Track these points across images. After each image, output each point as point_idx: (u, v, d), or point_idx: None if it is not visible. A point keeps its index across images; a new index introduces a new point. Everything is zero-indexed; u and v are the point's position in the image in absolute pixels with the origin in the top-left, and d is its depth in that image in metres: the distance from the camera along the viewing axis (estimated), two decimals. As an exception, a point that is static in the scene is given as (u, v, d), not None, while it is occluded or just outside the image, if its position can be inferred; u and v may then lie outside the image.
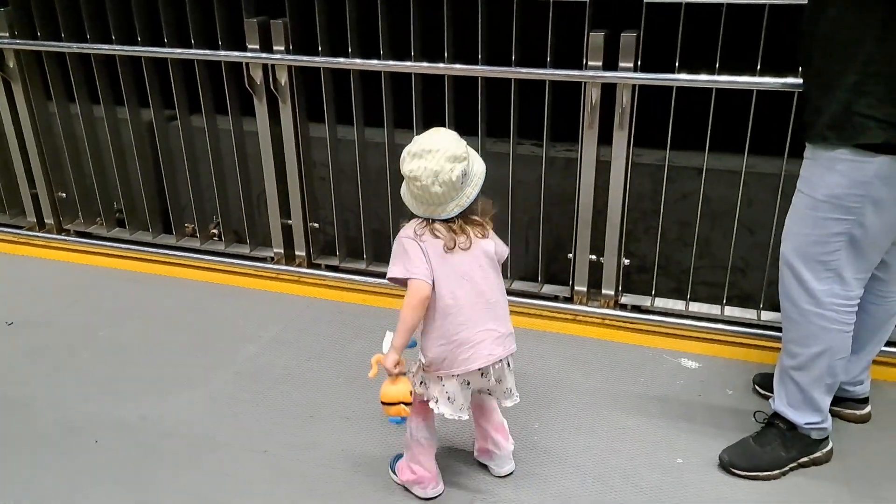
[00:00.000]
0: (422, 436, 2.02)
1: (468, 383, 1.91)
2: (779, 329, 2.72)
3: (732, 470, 2.08)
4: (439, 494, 2.05)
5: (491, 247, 1.91)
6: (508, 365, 1.93)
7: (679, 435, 2.27)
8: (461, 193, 1.82)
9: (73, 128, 3.58)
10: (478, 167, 1.87)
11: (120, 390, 2.54)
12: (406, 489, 2.07)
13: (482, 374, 1.89)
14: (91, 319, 2.99)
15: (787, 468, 2.07)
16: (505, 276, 3.02)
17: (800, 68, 2.17)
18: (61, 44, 3.33)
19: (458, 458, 2.19)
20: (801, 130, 1.94)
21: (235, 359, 2.71)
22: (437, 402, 1.92)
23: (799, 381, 2.01)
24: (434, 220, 1.86)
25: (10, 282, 3.35)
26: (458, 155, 1.78)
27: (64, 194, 3.71)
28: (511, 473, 2.11)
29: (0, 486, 2.11)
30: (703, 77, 2.55)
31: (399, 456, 2.12)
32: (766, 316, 2.80)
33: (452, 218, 1.85)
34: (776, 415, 2.10)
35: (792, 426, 2.06)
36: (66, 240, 3.69)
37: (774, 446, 2.06)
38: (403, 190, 1.89)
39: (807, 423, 2.03)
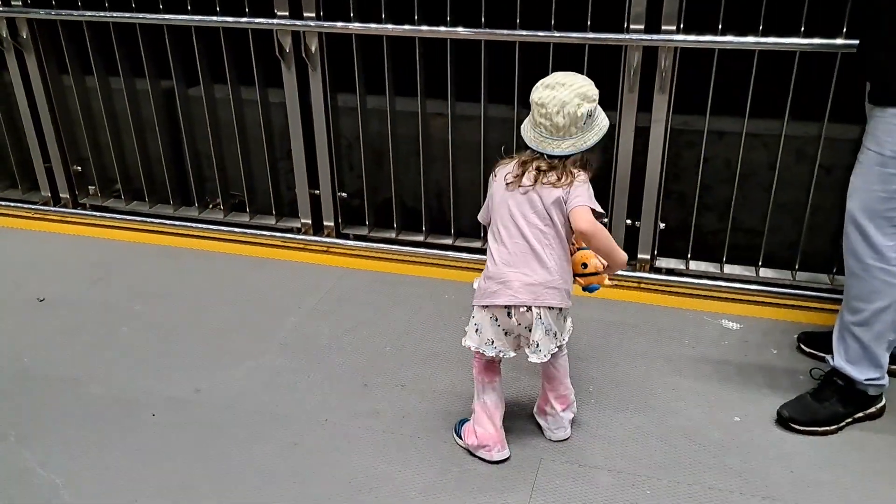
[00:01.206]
0: (488, 398, 2.05)
1: (496, 319, 1.93)
2: (814, 289, 2.80)
3: (791, 425, 2.13)
4: (505, 459, 2.07)
5: (554, 197, 1.86)
6: (540, 317, 1.89)
7: (732, 394, 2.32)
8: (581, 135, 1.85)
9: (89, 100, 3.50)
10: (603, 120, 1.90)
11: (167, 365, 2.52)
12: (472, 453, 2.09)
13: (508, 314, 1.91)
14: (121, 295, 2.96)
15: (843, 423, 2.13)
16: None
17: (860, 30, 2.15)
18: (77, 12, 3.23)
19: (526, 420, 2.21)
20: (870, 91, 1.96)
21: (278, 331, 2.70)
22: (466, 334, 1.98)
23: (861, 337, 2.06)
24: (535, 157, 1.88)
25: (33, 257, 3.29)
26: (589, 95, 1.83)
27: (80, 168, 3.64)
28: (564, 440, 2.14)
29: (64, 463, 2.09)
30: (749, 39, 2.55)
31: (464, 420, 2.14)
32: (801, 276, 2.85)
33: (556, 157, 1.86)
34: (834, 371, 2.15)
35: (850, 382, 2.11)
36: (83, 214, 3.62)
37: (832, 402, 2.12)
38: (525, 122, 1.92)
39: (866, 380, 2.08)
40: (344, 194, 3.30)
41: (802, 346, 2.49)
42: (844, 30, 2.46)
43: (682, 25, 2.61)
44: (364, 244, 3.27)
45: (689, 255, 2.98)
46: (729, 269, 2.94)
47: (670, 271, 2.99)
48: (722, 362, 2.47)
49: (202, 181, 3.54)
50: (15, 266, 3.21)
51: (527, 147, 1.93)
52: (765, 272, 2.91)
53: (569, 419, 2.15)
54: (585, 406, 2.27)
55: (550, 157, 1.88)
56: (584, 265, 1.99)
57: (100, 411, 2.30)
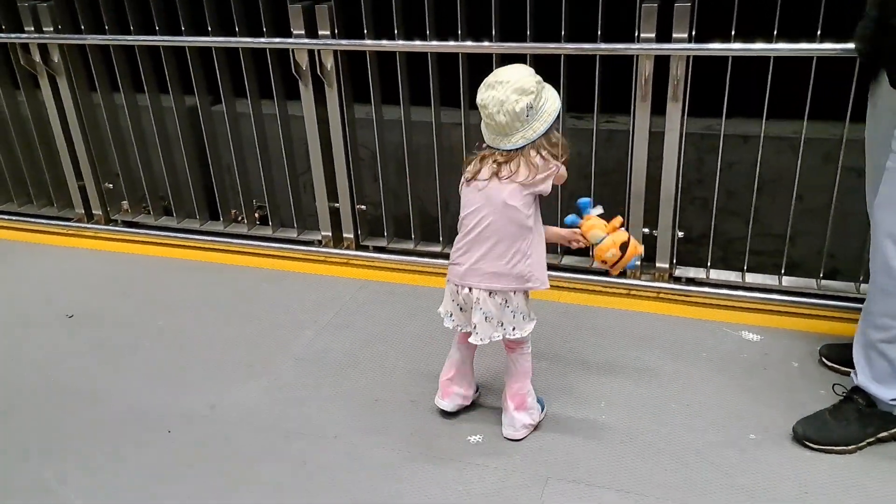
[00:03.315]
0: (452, 352, 2.24)
1: (452, 294, 2.08)
2: (841, 298, 2.71)
3: (806, 443, 2.07)
4: (444, 410, 2.27)
5: (511, 189, 1.93)
6: (478, 301, 2.00)
7: (749, 409, 2.26)
8: (527, 126, 1.90)
9: (118, 118, 3.61)
10: (550, 105, 1.93)
11: (185, 381, 2.58)
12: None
13: (457, 291, 2.05)
14: (147, 310, 3.04)
15: (863, 443, 2.05)
16: (554, 251, 3.03)
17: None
18: (105, 37, 3.34)
19: (536, 439, 2.20)
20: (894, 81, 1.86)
21: (294, 345, 2.74)
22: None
23: (889, 355, 1.97)
24: (493, 151, 1.96)
25: (65, 274, 3.40)
26: (526, 88, 1.87)
27: (111, 185, 3.75)
28: (512, 440, 2.17)
29: (80, 478, 2.16)
30: (761, 45, 2.49)
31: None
32: (827, 285, 2.77)
33: (515, 150, 1.92)
34: (856, 389, 2.07)
35: (871, 402, 2.03)
36: (114, 230, 3.73)
37: (851, 421, 2.04)
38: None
39: (892, 399, 2.00)
40: (363, 207, 3.33)
41: (824, 360, 2.41)
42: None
43: (693, 32, 2.56)
44: (384, 256, 3.29)
45: (709, 264, 2.92)
46: (751, 277, 2.88)
47: (690, 281, 2.93)
48: (740, 376, 2.41)
49: (227, 195, 3.60)
50: (48, 282, 3.33)
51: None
52: (788, 281, 2.83)
53: (523, 422, 2.16)
54: (596, 422, 2.24)
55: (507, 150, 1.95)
56: (604, 262, 2.09)
57: (118, 427, 2.37)
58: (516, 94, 1.86)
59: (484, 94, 1.90)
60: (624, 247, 2.04)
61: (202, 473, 2.16)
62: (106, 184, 3.74)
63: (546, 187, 1.96)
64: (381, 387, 2.47)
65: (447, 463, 2.13)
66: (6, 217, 3.92)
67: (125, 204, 3.75)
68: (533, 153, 1.93)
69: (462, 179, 2.04)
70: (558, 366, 2.51)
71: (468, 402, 2.30)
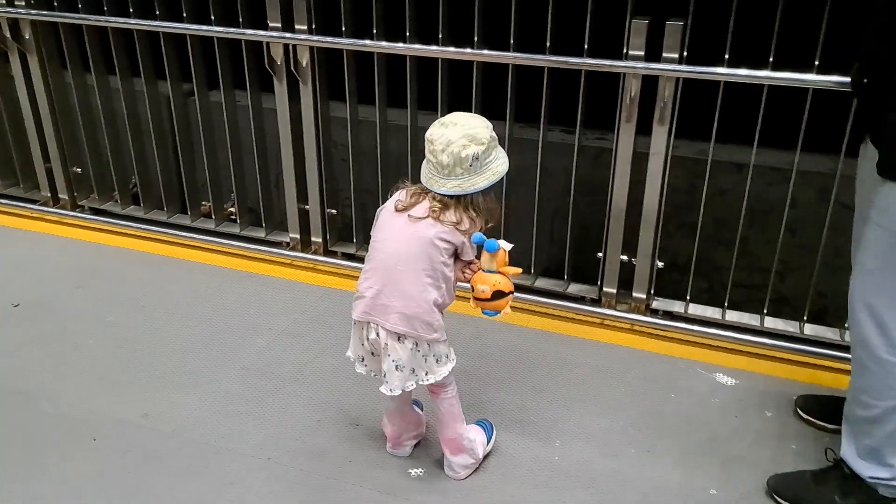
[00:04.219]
0: (388, 403, 2.02)
1: (361, 336, 1.89)
2: (824, 344, 2.57)
3: (776, 497, 1.91)
4: (396, 455, 2.11)
5: (433, 234, 1.77)
6: (386, 348, 1.82)
7: (714, 460, 2.11)
8: (467, 177, 1.75)
9: (89, 101, 3.47)
10: (497, 165, 1.81)
11: (123, 384, 2.43)
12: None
13: (363, 329, 1.87)
14: (99, 304, 2.89)
15: (839, 514, 1.88)
16: (528, 272, 2.89)
17: (866, 86, 1.82)
18: (78, 15, 3.20)
19: (466, 486, 2.05)
20: (882, 160, 1.69)
21: (244, 353, 2.59)
22: None
23: (871, 434, 1.81)
24: (428, 191, 1.81)
25: (21, 259, 3.26)
26: (478, 138, 1.75)
27: (79, 169, 3.61)
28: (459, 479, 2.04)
29: (-7, 485, 2.02)
30: (757, 73, 2.34)
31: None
32: (810, 330, 2.61)
33: (448, 196, 1.78)
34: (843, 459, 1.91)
35: (856, 474, 1.86)
36: (79, 216, 3.59)
37: (831, 488, 1.87)
38: None
39: (872, 478, 1.83)
40: (333, 211, 3.19)
41: (800, 412, 2.25)
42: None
43: (685, 53, 2.41)
44: (351, 263, 3.15)
45: (688, 297, 2.76)
46: (732, 315, 2.72)
47: (668, 314, 2.78)
48: (709, 423, 2.26)
49: (196, 187, 3.46)
50: (2, 268, 3.19)
51: None
52: (771, 322, 2.67)
53: (462, 464, 2.02)
54: (548, 463, 2.09)
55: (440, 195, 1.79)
56: (473, 289, 1.88)
57: (44, 432, 2.22)
58: (466, 140, 1.73)
59: (434, 130, 1.77)
60: (498, 294, 1.84)
61: (122, 488, 2.02)
62: (74, 168, 3.60)
63: (468, 251, 1.82)
64: (325, 406, 2.33)
65: (382, 497, 1.98)
66: (-29, 195, 3.79)
67: (95, 192, 3.61)
68: (469, 207, 1.79)
69: (388, 205, 1.88)
70: (516, 396, 2.36)
71: (421, 437, 2.15)
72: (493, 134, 1.79)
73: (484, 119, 1.81)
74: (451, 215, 1.78)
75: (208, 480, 2.04)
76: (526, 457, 2.12)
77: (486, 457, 2.08)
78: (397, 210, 1.84)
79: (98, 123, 3.47)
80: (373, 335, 1.85)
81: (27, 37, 3.32)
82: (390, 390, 1.85)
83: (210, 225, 3.42)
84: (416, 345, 1.83)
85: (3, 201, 3.72)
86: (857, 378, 1.84)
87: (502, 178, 1.81)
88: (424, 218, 1.79)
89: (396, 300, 1.80)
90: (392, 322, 1.81)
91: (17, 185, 3.79)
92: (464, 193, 1.77)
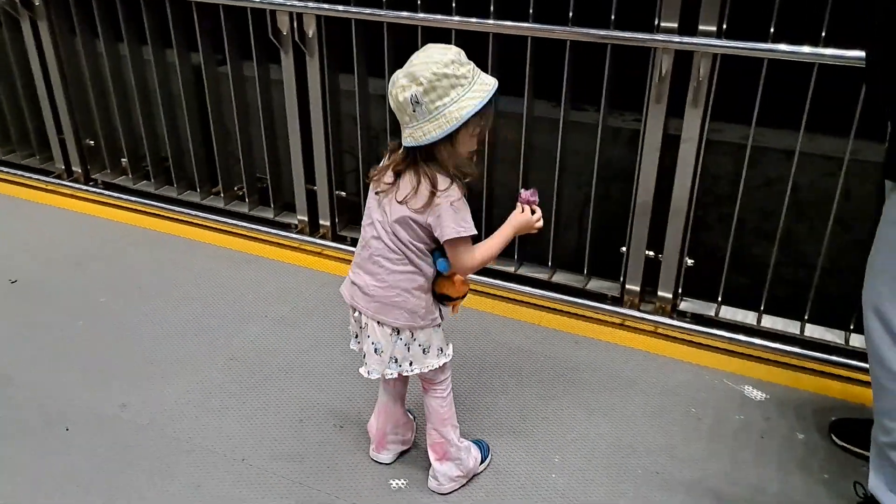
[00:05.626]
0: (380, 395, 1.90)
1: (350, 310, 1.75)
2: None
3: None
4: (378, 460, 1.95)
5: (400, 214, 1.57)
6: (366, 330, 1.69)
7: (731, 489, 1.87)
8: (415, 124, 1.51)
9: (100, 70, 3.35)
10: (451, 108, 1.48)
11: (105, 371, 2.31)
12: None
13: (353, 309, 1.73)
14: (95, 283, 2.79)
15: (867, 557, 1.65)
16: (545, 263, 2.66)
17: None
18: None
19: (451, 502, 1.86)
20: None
21: (234, 341, 2.45)
22: None
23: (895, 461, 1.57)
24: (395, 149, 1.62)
25: (28, 233, 3.18)
26: (417, 77, 1.47)
27: (92, 142, 3.52)
28: (433, 492, 1.85)
29: (-44, 474, 1.92)
30: (805, 49, 2.06)
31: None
32: (857, 341, 2.33)
33: (411, 150, 1.54)
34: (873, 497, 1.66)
35: None
36: (91, 191, 3.51)
37: None
38: None
39: None
40: (342, 193, 3.01)
41: (834, 437, 1.99)
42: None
43: (724, 27, 2.14)
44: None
45: (719, 299, 2.50)
46: (769, 321, 2.45)
47: (696, 318, 2.52)
48: (731, 443, 2.02)
49: (207, 164, 3.32)
50: (7, 240, 3.12)
51: None
52: (812, 329, 2.40)
53: (448, 475, 1.83)
54: (543, 481, 1.88)
55: (406, 148, 1.56)
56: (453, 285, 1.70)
57: (19, 420, 2.11)
58: (406, 80, 1.48)
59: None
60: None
61: (90, 484, 1.89)
62: (87, 140, 3.51)
63: (450, 223, 1.54)
64: (311, 404, 2.17)
65: (357, 511, 1.81)
66: (-12, 166, 3.74)
67: (107, 166, 3.52)
68: (433, 169, 1.54)
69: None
70: (517, 404, 2.16)
71: (408, 446, 1.97)
72: (451, 70, 1.47)
73: (447, 51, 1.49)
74: (406, 183, 1.55)
75: (177, 481, 1.90)
76: (519, 472, 1.91)
77: (473, 476, 1.89)
78: (372, 182, 1.65)
79: (108, 94, 3.35)
80: (356, 314, 1.72)
81: (37, 3, 3.21)
82: (368, 373, 1.72)
83: (220, 203, 3.28)
84: (397, 332, 1.66)
85: (20, 172, 3.67)
86: (876, 399, 1.61)
87: (469, 122, 1.49)
88: (387, 193, 1.59)
89: (372, 287, 1.65)
90: (373, 310, 1.66)
91: (34, 155, 3.72)
92: (417, 145, 1.52)
